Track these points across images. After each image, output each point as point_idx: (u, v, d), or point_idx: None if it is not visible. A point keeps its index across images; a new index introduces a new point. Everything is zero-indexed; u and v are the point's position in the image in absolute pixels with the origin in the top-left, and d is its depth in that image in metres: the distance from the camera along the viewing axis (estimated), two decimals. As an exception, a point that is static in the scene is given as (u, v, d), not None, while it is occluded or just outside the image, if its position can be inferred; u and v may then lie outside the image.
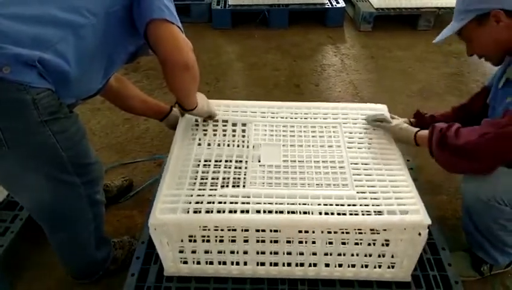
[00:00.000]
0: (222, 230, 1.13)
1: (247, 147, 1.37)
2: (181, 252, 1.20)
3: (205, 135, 1.43)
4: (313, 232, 1.12)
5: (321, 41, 3.38)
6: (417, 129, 1.37)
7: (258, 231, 1.13)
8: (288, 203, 1.14)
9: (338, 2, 3.60)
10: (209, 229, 1.13)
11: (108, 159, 2.11)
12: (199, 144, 1.39)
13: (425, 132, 1.32)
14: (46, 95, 1.02)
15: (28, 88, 0.99)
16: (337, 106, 1.55)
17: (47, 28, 1.03)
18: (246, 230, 1.13)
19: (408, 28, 3.54)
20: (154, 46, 1.16)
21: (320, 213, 1.11)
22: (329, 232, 1.12)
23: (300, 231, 1.13)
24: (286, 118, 1.50)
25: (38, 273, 1.55)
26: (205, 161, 1.31)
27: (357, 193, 1.18)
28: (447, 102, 2.54)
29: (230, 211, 1.11)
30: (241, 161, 1.31)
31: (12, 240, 1.50)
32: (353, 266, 1.22)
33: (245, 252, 1.20)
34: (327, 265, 1.22)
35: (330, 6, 3.56)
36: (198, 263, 1.23)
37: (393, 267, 1.23)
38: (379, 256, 1.19)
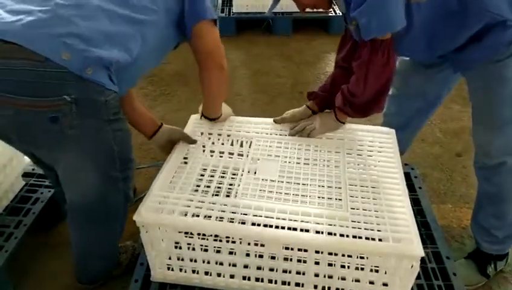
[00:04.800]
0: (207, 239, 1.12)
1: (246, 160, 1.37)
2: (169, 258, 1.20)
3: (206, 144, 1.44)
4: (299, 250, 1.09)
5: (324, 49, 3.39)
6: (330, 115, 1.43)
7: (241, 243, 1.11)
8: (276, 218, 1.11)
9: (342, 10, 3.62)
10: (191, 236, 1.12)
11: (112, 165, 2.12)
12: (200, 152, 1.40)
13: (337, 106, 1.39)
14: (113, 97, 1.10)
15: (104, 89, 1.06)
16: (342, 126, 1.50)
17: (120, 26, 1.09)
18: (233, 242, 1.12)
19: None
20: (197, 43, 1.26)
21: (307, 231, 1.07)
22: (317, 252, 1.08)
23: (287, 248, 1.10)
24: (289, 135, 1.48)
25: (42, 280, 1.55)
26: (201, 168, 1.32)
27: (351, 215, 1.14)
28: (451, 110, 2.54)
29: (217, 219, 1.10)
30: (236, 173, 1.30)
31: (16, 246, 1.50)
32: None
33: (231, 265, 1.18)
34: (315, 287, 1.18)
35: (333, 14, 3.57)
36: (185, 271, 1.23)
37: None
38: (371, 283, 1.14)
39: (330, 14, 3.56)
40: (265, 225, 1.09)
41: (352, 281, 1.13)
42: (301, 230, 1.08)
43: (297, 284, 1.18)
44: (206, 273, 1.22)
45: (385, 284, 1.13)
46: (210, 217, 1.11)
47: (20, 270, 1.57)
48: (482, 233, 1.51)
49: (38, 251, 1.62)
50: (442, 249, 1.38)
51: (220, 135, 1.47)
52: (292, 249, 1.09)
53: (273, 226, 1.09)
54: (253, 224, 1.10)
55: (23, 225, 1.57)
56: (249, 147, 1.42)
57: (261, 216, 1.11)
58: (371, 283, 1.13)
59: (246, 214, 1.12)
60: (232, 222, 1.10)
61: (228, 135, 1.47)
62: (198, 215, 1.11)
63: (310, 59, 3.24)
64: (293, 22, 3.57)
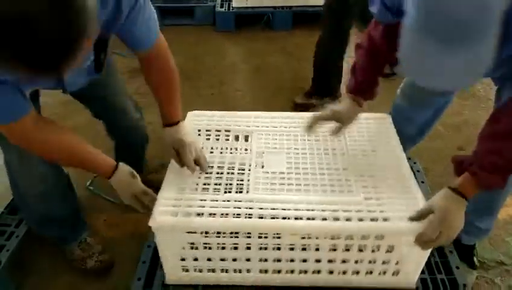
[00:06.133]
0: (224, 237, 1.13)
1: (250, 154, 1.37)
2: (182, 260, 1.19)
3: (208, 140, 1.43)
4: (317, 238, 1.11)
5: (325, 43, 3.37)
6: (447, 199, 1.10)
7: (260, 237, 1.11)
8: (293, 209, 1.12)
9: (342, 4, 3.59)
10: (207, 235, 1.13)
11: (114, 162, 2.11)
12: (203, 150, 1.38)
13: (463, 183, 1.11)
14: None
15: None
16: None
17: None
18: (249, 237, 1.12)
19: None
20: None
21: (325, 219, 1.09)
22: (332, 238, 1.11)
23: (303, 237, 1.11)
24: (289, 127, 1.48)
25: (44, 278, 1.55)
26: (208, 166, 1.31)
27: (364, 199, 1.16)
28: (452, 104, 2.52)
29: (235, 216, 1.10)
30: (243, 169, 1.30)
31: (18, 245, 1.50)
32: (357, 273, 1.21)
33: (248, 260, 1.18)
34: (331, 272, 1.20)
35: (334, 8, 3.54)
36: (200, 271, 1.22)
37: (398, 274, 1.21)
38: (384, 263, 1.17)
39: (330, 8, 3.53)
40: (283, 218, 1.10)
41: (369, 262, 1.17)
42: (319, 219, 1.10)
43: (312, 272, 1.21)
44: (222, 270, 1.22)
45: (398, 262, 1.17)
46: (227, 215, 1.10)
47: (22, 269, 1.56)
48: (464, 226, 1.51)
49: (40, 250, 1.62)
50: (445, 243, 1.37)
51: (219, 131, 1.46)
52: (310, 237, 1.11)
53: (292, 218, 1.09)
54: (271, 217, 1.10)
55: (24, 223, 1.57)
56: (251, 141, 1.42)
57: (277, 209, 1.12)
58: (385, 262, 1.17)
59: (262, 208, 1.12)
60: (250, 217, 1.10)
61: (227, 130, 1.46)
62: (214, 215, 1.11)
63: (311, 54, 3.20)
64: (293, 17, 3.55)
